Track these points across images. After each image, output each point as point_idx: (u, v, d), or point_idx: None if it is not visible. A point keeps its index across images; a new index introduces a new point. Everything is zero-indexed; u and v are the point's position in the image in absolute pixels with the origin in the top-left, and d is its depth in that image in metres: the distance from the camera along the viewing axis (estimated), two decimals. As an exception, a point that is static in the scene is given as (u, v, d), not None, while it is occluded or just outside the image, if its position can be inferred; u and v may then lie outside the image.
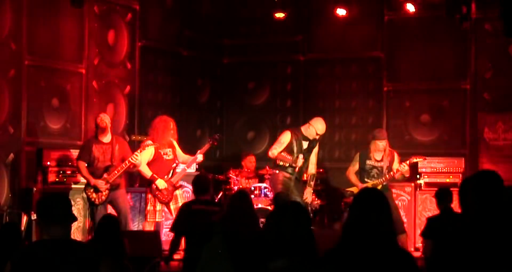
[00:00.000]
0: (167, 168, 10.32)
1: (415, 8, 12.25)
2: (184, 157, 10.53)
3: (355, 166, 10.66)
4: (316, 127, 10.40)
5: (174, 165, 10.45)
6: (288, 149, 10.39)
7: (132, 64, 12.53)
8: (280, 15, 12.89)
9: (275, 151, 10.41)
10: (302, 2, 13.92)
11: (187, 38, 13.56)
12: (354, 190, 10.52)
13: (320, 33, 13.84)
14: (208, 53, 14.12)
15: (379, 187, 10.39)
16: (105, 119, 10.05)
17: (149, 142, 10.13)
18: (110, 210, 10.11)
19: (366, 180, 10.53)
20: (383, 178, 10.42)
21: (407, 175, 10.59)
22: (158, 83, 13.11)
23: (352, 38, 13.52)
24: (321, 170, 12.41)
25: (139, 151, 10.02)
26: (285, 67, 14.22)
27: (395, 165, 10.48)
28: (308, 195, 10.43)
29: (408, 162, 10.45)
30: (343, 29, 13.38)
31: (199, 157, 10.53)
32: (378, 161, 10.52)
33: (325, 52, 13.89)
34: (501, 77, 12.76)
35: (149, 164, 10.21)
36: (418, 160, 10.83)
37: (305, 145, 10.43)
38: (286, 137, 10.46)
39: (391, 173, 10.43)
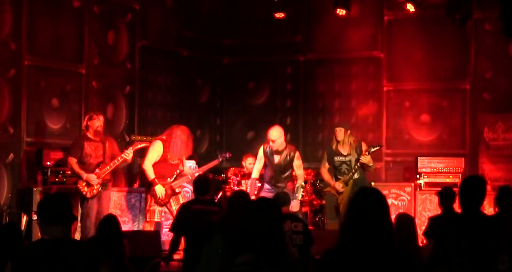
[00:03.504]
0: (171, 171, 10.25)
1: (415, 8, 12.25)
2: (187, 169, 10.45)
3: (325, 165, 10.59)
4: (268, 135, 10.23)
5: (178, 171, 10.41)
6: (267, 164, 10.37)
7: (132, 64, 12.53)
8: (280, 15, 12.89)
9: (255, 171, 10.41)
10: (302, 2, 13.92)
11: (187, 38, 13.56)
12: (330, 189, 10.52)
13: (320, 33, 13.84)
14: (208, 53, 14.12)
15: (350, 182, 10.35)
16: (100, 127, 10.03)
17: (157, 141, 10.12)
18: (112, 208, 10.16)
19: (338, 177, 10.48)
20: (351, 172, 10.36)
21: (371, 164, 10.48)
22: (158, 83, 13.11)
23: (352, 38, 13.51)
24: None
25: (131, 147, 10.05)
26: (285, 67, 14.23)
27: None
28: (294, 206, 10.03)
29: (367, 152, 10.36)
30: (343, 29, 13.38)
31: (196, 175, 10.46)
32: (345, 156, 10.44)
33: (325, 52, 13.89)
34: (501, 77, 12.76)
35: (154, 165, 10.18)
36: (375, 148, 10.66)
37: (276, 158, 10.26)
38: (260, 152, 10.42)
39: (356, 166, 10.35)
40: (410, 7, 12.26)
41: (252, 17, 14.17)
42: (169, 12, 13.27)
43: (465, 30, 12.41)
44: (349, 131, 10.52)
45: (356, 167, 10.32)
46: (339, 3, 12.27)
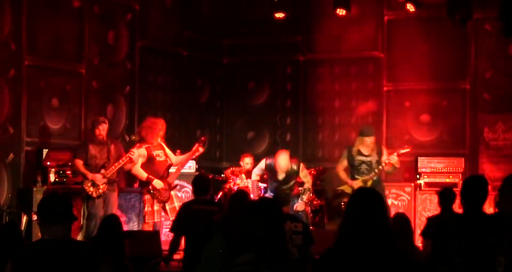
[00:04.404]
0: (161, 169, 10.37)
1: (415, 8, 12.24)
2: (175, 158, 10.59)
3: (343, 163, 10.64)
4: (277, 163, 10.31)
5: (172, 167, 10.51)
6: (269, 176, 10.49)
7: (132, 64, 12.53)
8: (280, 15, 12.89)
9: (254, 175, 10.63)
10: (302, 2, 13.91)
11: (187, 38, 13.56)
12: (345, 188, 10.53)
13: (320, 33, 13.83)
14: (208, 53, 14.12)
15: (370, 182, 10.37)
16: (103, 132, 10.08)
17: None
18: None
19: (356, 176, 10.50)
20: (373, 173, 10.40)
21: (397, 166, 10.57)
22: (158, 83, 13.11)
23: (352, 38, 13.50)
24: (320, 168, 12.41)
25: (135, 147, 10.12)
26: (285, 67, 14.22)
27: (385, 158, 10.47)
28: (299, 206, 10.37)
29: (396, 153, 10.46)
30: (343, 29, 13.38)
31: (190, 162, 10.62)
32: (366, 156, 10.49)
33: (325, 52, 13.88)
34: (501, 77, 12.76)
35: (142, 166, 10.27)
36: (405, 150, 10.79)
37: (280, 176, 10.39)
38: (262, 164, 10.63)
39: (380, 166, 10.41)
40: (410, 7, 12.25)
41: (252, 17, 14.16)
42: (169, 12, 13.26)
43: (465, 30, 12.40)
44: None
45: (380, 167, 10.39)
46: (339, 3, 12.27)
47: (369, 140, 10.46)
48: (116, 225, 6.46)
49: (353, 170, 10.55)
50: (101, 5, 11.97)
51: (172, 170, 10.57)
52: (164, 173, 10.38)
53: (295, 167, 10.39)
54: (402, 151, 10.67)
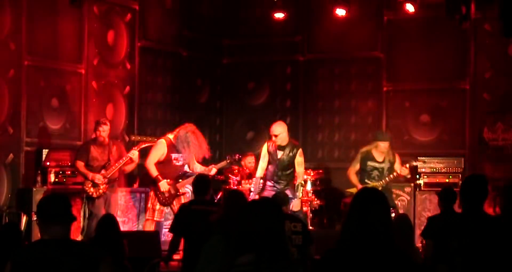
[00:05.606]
0: (174, 172, 10.30)
1: (414, 8, 12.25)
2: (195, 164, 10.53)
3: (356, 166, 10.66)
4: (272, 130, 10.22)
5: (187, 170, 10.51)
6: (270, 161, 10.33)
7: (132, 64, 12.53)
8: (280, 15, 12.90)
9: (260, 170, 10.39)
10: (302, 2, 13.92)
11: (187, 38, 13.56)
12: (354, 191, 10.49)
13: (320, 33, 13.83)
14: (208, 53, 14.12)
15: (380, 189, 10.40)
16: (104, 133, 10.07)
17: (162, 140, 10.21)
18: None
19: (366, 181, 10.53)
20: (384, 180, 10.47)
21: (408, 177, 10.71)
22: (157, 83, 13.11)
23: (352, 38, 13.50)
24: (320, 171, 12.39)
25: (136, 147, 10.12)
26: (285, 67, 14.22)
27: (397, 166, 10.52)
28: (295, 205, 9.99)
29: (408, 165, 10.55)
30: (343, 29, 13.37)
31: (213, 171, 10.56)
32: (379, 162, 10.53)
33: (325, 52, 13.88)
34: (500, 77, 12.75)
35: (157, 164, 10.22)
36: (418, 163, 10.95)
37: (279, 154, 10.23)
38: (264, 149, 10.42)
39: (391, 175, 10.47)
40: (410, 7, 12.26)
41: (252, 17, 14.17)
42: (169, 12, 13.27)
43: (465, 30, 12.40)
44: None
45: (391, 175, 10.46)
46: (339, 3, 12.26)
47: (383, 145, 10.49)
48: (112, 225, 6.46)
49: (364, 174, 10.58)
50: (101, 5, 11.97)
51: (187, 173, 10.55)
52: (175, 178, 10.31)
53: (295, 150, 10.18)
54: (414, 164, 10.94)
